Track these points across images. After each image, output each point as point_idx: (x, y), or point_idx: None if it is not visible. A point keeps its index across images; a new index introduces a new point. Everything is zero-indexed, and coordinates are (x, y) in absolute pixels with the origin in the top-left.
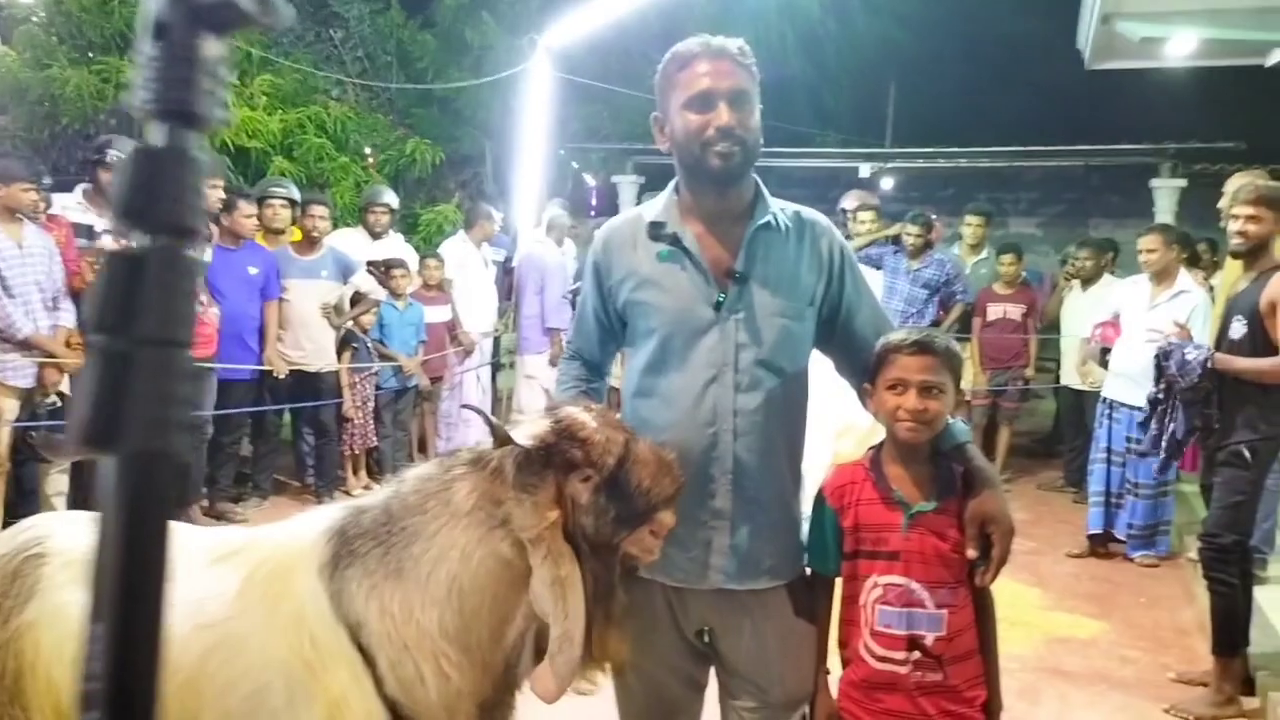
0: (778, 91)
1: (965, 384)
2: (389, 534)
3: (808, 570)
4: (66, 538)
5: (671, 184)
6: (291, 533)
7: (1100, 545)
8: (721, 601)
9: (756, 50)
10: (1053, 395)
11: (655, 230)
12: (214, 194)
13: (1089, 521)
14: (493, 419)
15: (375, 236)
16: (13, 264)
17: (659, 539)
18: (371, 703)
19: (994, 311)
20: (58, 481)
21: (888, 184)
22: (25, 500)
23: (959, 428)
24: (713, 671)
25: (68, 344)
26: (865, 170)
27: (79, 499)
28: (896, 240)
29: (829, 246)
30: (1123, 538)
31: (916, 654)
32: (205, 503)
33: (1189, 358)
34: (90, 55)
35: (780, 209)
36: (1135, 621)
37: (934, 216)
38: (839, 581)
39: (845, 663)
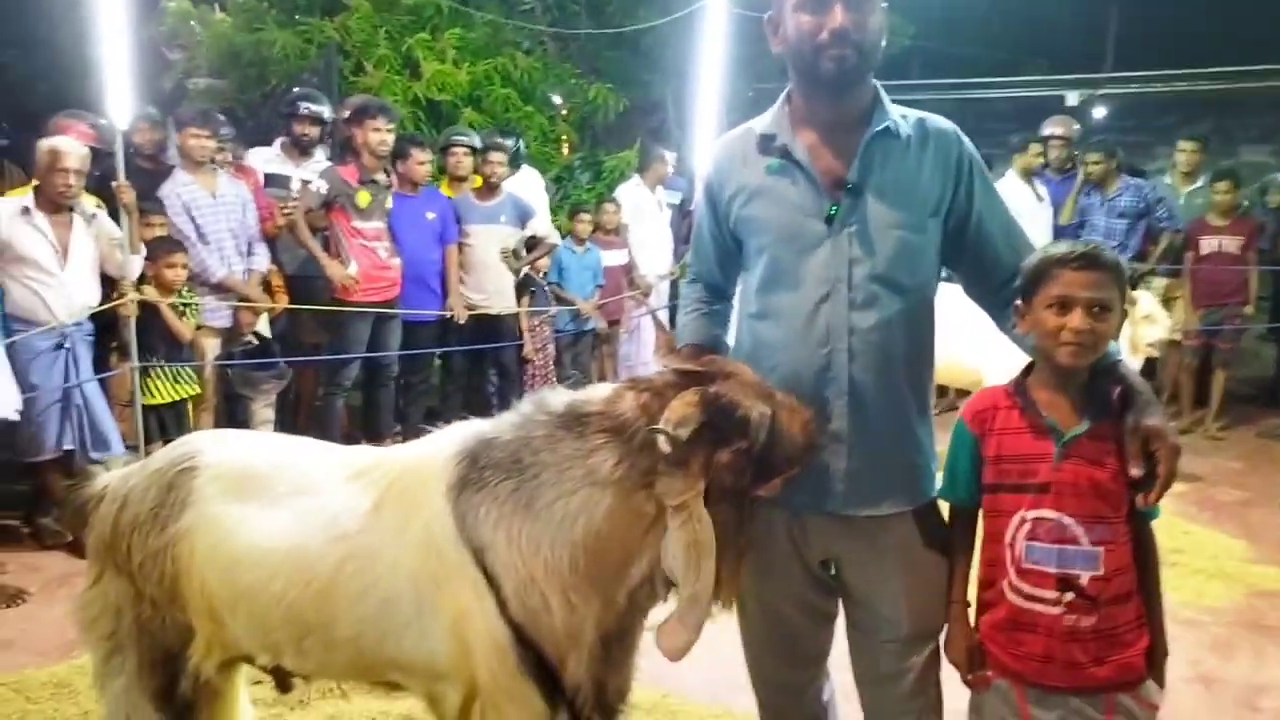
0: (979, 15)
1: (1176, 322)
2: (520, 473)
3: (939, 499)
4: (216, 453)
5: (784, 93)
6: (422, 452)
7: None
8: (843, 528)
9: None
10: (1274, 336)
11: (764, 143)
12: (389, 141)
13: None
14: (658, 428)
15: (458, 180)
16: (206, 212)
17: (785, 480)
18: (494, 621)
19: (1208, 245)
20: (264, 413)
21: (1099, 113)
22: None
23: (1110, 346)
24: (841, 604)
25: (265, 286)
26: (1073, 98)
27: (284, 427)
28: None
29: (956, 154)
30: None
31: (1070, 595)
32: (400, 439)
33: None
34: (295, 17)
35: (902, 115)
36: None
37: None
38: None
39: (985, 605)
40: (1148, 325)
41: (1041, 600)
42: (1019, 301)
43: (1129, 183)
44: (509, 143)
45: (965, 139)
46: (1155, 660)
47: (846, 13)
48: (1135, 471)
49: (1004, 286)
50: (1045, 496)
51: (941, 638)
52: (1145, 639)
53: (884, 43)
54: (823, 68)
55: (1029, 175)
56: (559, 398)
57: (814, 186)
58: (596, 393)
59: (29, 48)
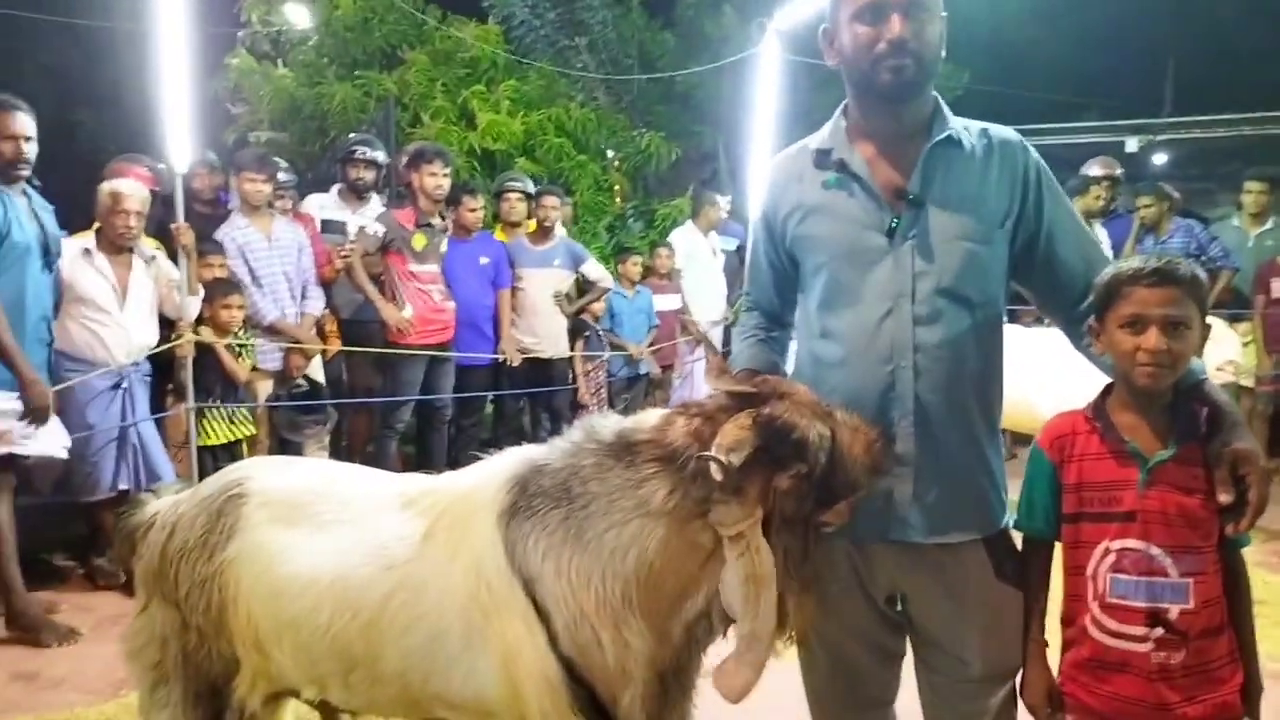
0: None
1: (1248, 367)
2: (569, 503)
3: (1012, 529)
4: (266, 479)
5: (840, 106)
6: (474, 480)
7: None
8: (910, 559)
9: (1011, 10)
10: None
11: (821, 158)
12: (445, 185)
13: None
14: (711, 456)
15: (512, 225)
16: (260, 256)
17: (851, 507)
18: (545, 657)
19: (1279, 287)
20: (317, 455)
21: (1160, 159)
22: None
23: (1195, 365)
24: (910, 642)
25: (319, 330)
26: (1132, 144)
27: None
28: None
29: (1023, 164)
30: None
31: (1159, 630)
32: None
33: None
34: (355, 71)
35: (964, 126)
36: None
37: (1172, 190)
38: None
39: (1067, 644)
40: (1212, 347)
41: (1128, 637)
42: (1092, 320)
43: (1180, 224)
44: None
45: (1032, 149)
46: (1251, 696)
47: (905, 22)
48: (1224, 498)
49: (1078, 303)
50: (1131, 525)
51: (1018, 679)
52: (1239, 675)
53: (942, 54)
54: (880, 79)
55: (1090, 218)
56: (609, 425)
57: (873, 199)
58: (646, 420)
59: (100, 106)
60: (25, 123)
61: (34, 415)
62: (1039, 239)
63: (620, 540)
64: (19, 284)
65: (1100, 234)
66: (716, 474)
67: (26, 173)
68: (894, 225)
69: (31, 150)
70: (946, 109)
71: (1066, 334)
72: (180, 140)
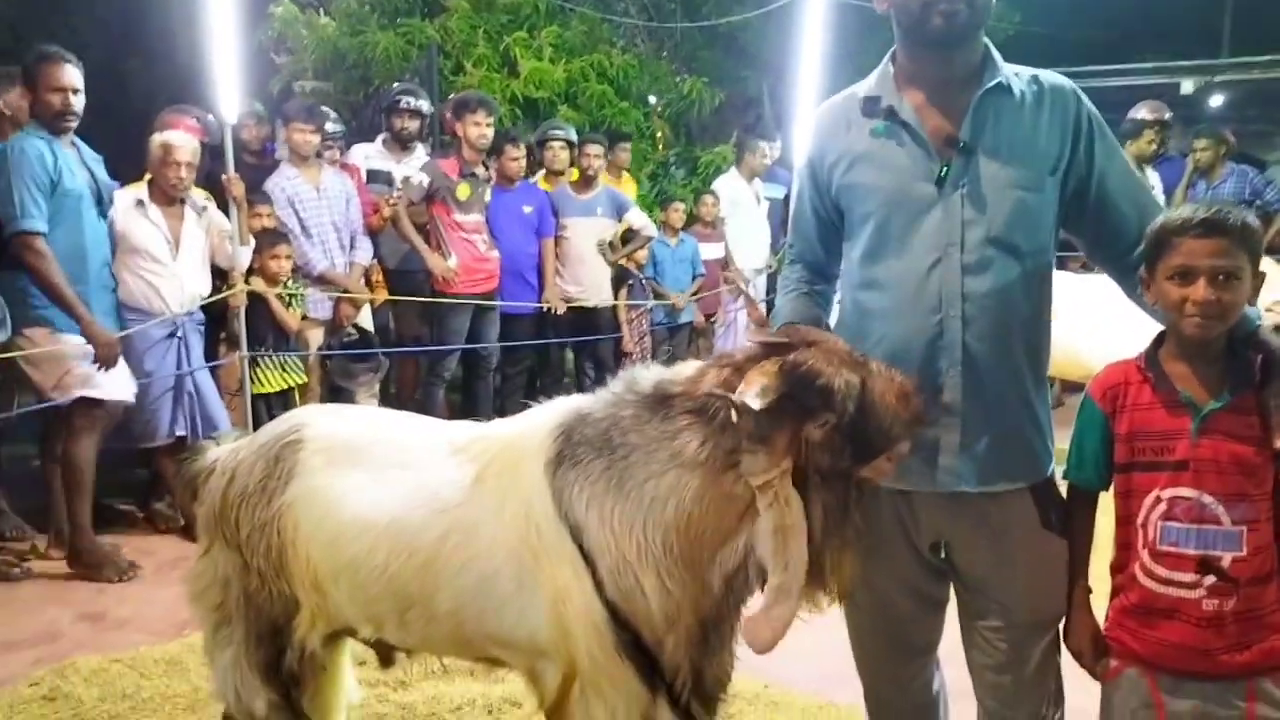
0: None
1: None
2: (610, 453)
3: (1059, 477)
4: (321, 426)
5: (889, 53)
6: (523, 428)
7: None
8: (956, 508)
9: None
10: None
11: (869, 106)
12: (489, 134)
13: None
14: (731, 397)
15: (556, 174)
16: (309, 206)
17: (895, 464)
18: (592, 601)
19: None
20: (367, 403)
21: (1217, 101)
22: None
23: (1250, 312)
24: (953, 589)
25: (366, 280)
26: (1188, 86)
27: None
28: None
29: (1074, 111)
30: None
31: (1211, 578)
32: None
33: None
34: (397, 19)
35: (1015, 73)
36: None
37: (1229, 134)
38: (1104, 497)
39: (1116, 591)
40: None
41: (1179, 584)
42: (1142, 271)
43: (1233, 169)
44: (568, 134)
45: (1084, 96)
46: None
47: None
48: (1279, 444)
49: (1129, 251)
50: (1183, 474)
51: (1060, 626)
52: None
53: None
54: (933, 24)
55: (1141, 163)
56: (648, 376)
57: (923, 147)
58: (682, 371)
59: (150, 57)
60: (73, 74)
61: (102, 360)
62: (1090, 187)
63: (659, 490)
64: (77, 231)
65: (1152, 178)
66: (738, 418)
67: (74, 124)
68: (944, 173)
69: (79, 102)
70: (997, 55)
71: (1119, 283)
72: (228, 92)
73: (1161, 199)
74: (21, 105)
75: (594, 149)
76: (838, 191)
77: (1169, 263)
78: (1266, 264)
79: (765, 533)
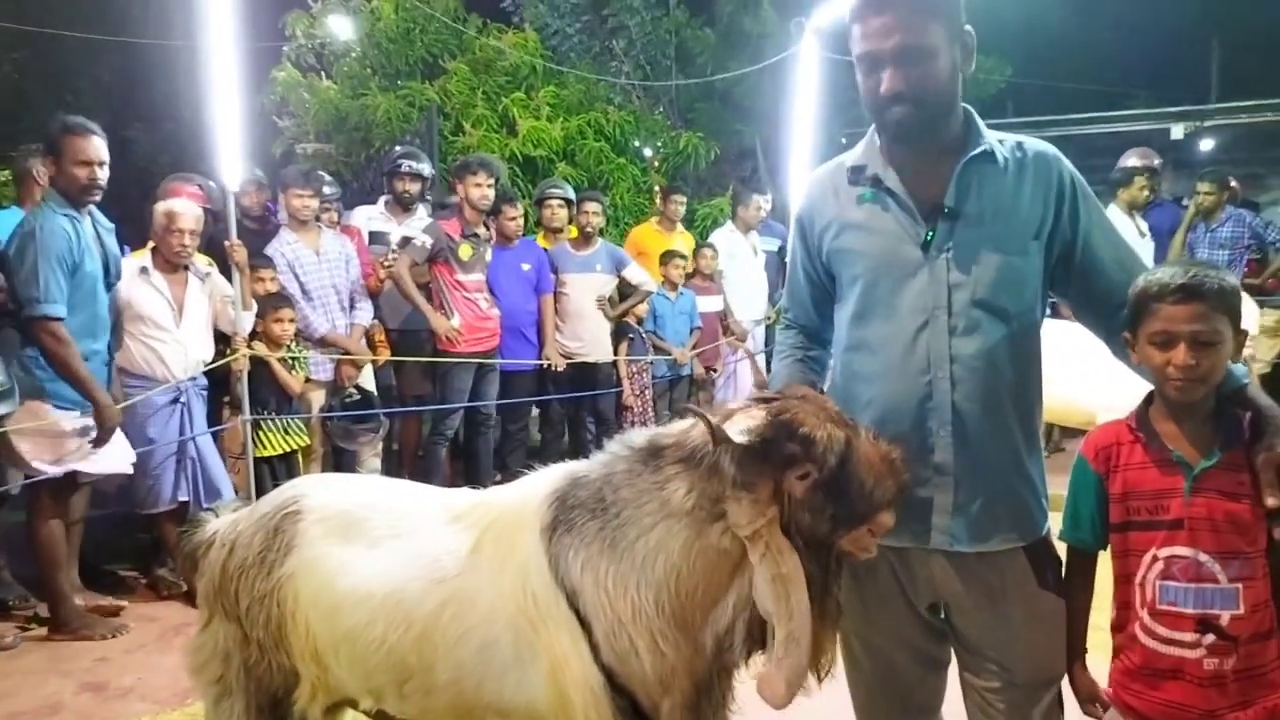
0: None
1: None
2: (603, 512)
3: (1055, 537)
4: (321, 496)
5: (874, 125)
6: (518, 494)
7: None
8: (952, 568)
9: (1055, 8)
10: None
11: (856, 174)
12: (490, 195)
13: None
14: (711, 419)
15: (554, 231)
16: (309, 269)
17: (877, 538)
18: (590, 667)
19: None
20: (371, 462)
21: (1206, 146)
22: None
23: (1236, 369)
24: (953, 650)
25: (368, 340)
26: (1178, 131)
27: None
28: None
29: (1056, 176)
30: None
31: (1210, 637)
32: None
33: None
34: (398, 82)
35: (999, 140)
36: None
37: (1233, 180)
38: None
39: (1118, 650)
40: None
41: (1180, 644)
42: (1127, 333)
43: (1232, 212)
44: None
45: (1066, 161)
46: None
47: (896, 73)
48: (1271, 501)
49: (1116, 312)
50: (1179, 533)
51: (1063, 684)
52: None
53: (962, 74)
54: (888, 126)
55: (1133, 209)
56: (643, 434)
57: (908, 213)
58: (676, 425)
59: (152, 122)
60: (100, 148)
61: (102, 435)
62: (1075, 250)
63: (648, 546)
64: (92, 313)
65: (1141, 224)
66: (726, 463)
67: (98, 198)
68: (929, 238)
69: (104, 175)
70: (980, 123)
71: (1107, 344)
72: (231, 158)
73: (1150, 246)
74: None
75: (592, 206)
76: (828, 256)
77: (1149, 328)
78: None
79: (764, 583)
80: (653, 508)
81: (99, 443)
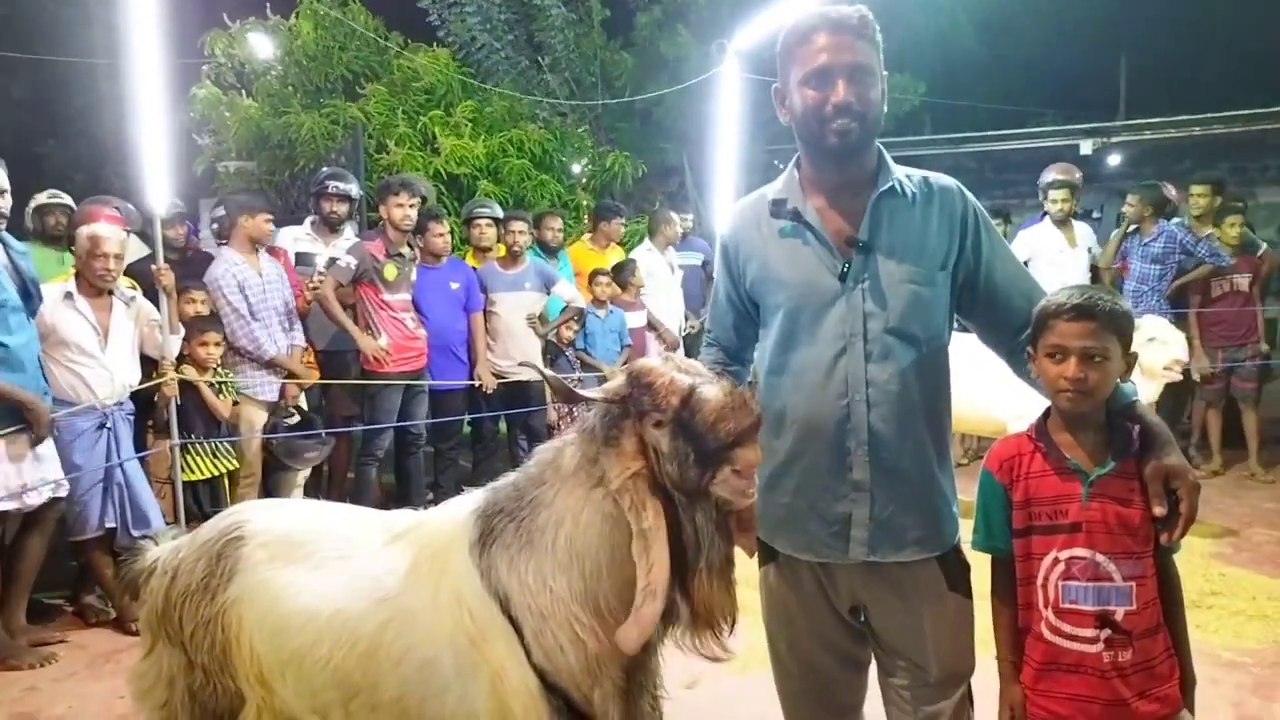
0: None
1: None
2: (519, 508)
3: (965, 546)
4: (262, 521)
5: (794, 159)
6: (449, 514)
7: None
8: (869, 576)
9: (968, 29)
10: None
11: (777, 207)
12: (413, 215)
13: None
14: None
15: (483, 251)
16: (255, 291)
17: (747, 479)
18: (526, 672)
19: (1219, 286)
20: (293, 487)
21: (1115, 160)
22: None
23: (1126, 387)
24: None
25: (304, 361)
26: (1087, 147)
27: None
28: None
29: (960, 209)
30: None
31: (1107, 631)
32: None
33: None
34: (320, 100)
35: (906, 175)
36: None
37: (1169, 187)
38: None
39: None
40: (1158, 348)
41: (1080, 639)
42: (1030, 349)
43: (1164, 228)
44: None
45: (969, 194)
46: (1186, 688)
47: (849, 87)
48: (1159, 510)
49: (1018, 334)
50: (1077, 535)
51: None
52: (1177, 670)
53: (884, 110)
54: (828, 140)
55: (1055, 222)
56: (557, 441)
57: (826, 246)
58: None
59: (66, 139)
60: None
61: (39, 432)
62: (979, 278)
63: (551, 521)
64: (12, 340)
65: (1081, 229)
66: (594, 418)
67: (2, 226)
68: (845, 270)
69: (6, 204)
70: (890, 160)
71: (1008, 363)
72: (157, 182)
73: (1085, 255)
74: None
75: (519, 225)
76: (752, 284)
77: (1046, 341)
78: (1162, 326)
79: (634, 539)
80: (550, 477)
81: (37, 440)
